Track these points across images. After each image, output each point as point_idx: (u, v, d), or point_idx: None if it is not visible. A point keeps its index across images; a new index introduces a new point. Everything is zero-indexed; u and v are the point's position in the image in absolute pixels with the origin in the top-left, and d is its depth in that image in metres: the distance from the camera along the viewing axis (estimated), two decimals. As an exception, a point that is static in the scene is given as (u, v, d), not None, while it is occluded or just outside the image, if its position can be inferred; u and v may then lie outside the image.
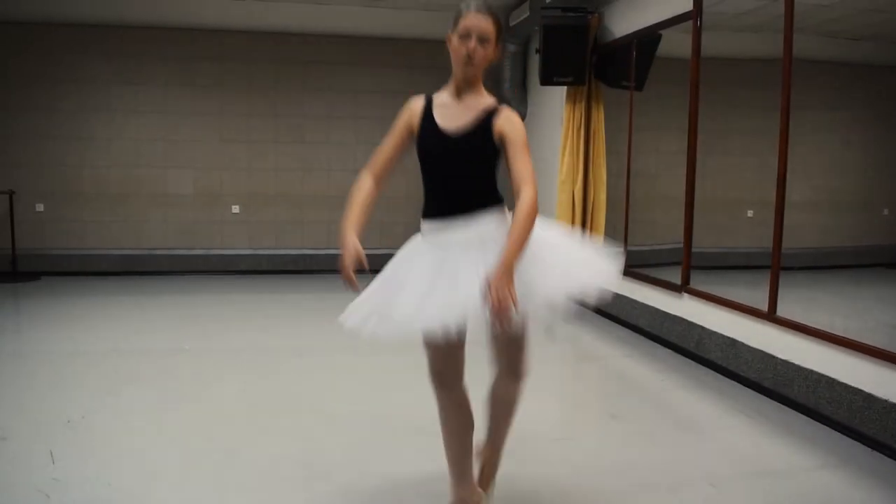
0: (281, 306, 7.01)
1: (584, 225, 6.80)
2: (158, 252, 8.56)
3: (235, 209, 8.71)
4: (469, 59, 2.36)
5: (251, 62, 8.54)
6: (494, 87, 8.75)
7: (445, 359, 2.47)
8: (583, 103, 6.78)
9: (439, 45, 8.75)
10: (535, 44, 7.23)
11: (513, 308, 2.06)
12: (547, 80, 6.70)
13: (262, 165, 8.69)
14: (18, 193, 8.08)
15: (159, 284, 7.94)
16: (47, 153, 8.30)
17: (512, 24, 7.98)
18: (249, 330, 5.91)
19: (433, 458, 2.86)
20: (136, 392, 4.23)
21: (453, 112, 2.44)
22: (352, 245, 2.40)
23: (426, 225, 2.51)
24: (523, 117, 8.79)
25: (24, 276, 8.04)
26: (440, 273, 2.32)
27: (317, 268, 8.74)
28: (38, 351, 5.13)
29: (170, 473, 3.12)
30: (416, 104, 2.54)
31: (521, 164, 2.30)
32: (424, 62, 8.83)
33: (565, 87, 6.90)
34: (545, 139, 7.99)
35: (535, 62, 7.64)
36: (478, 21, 2.35)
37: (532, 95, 8.51)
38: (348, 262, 2.37)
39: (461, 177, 2.44)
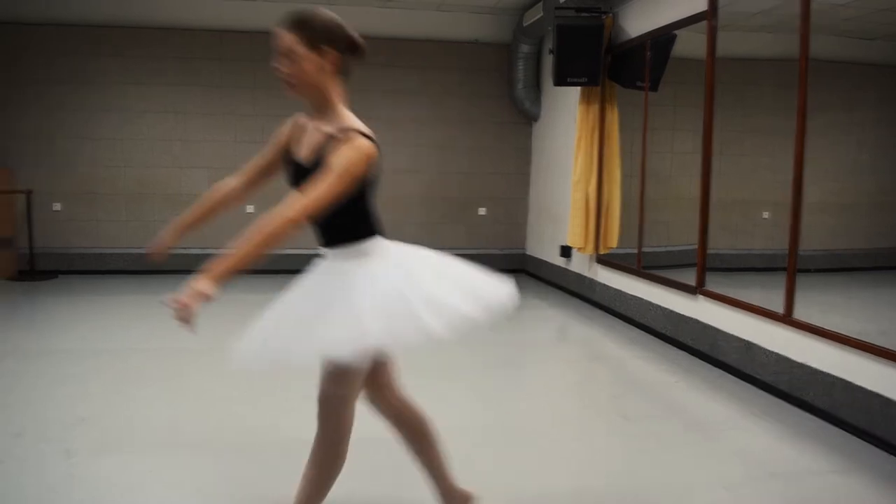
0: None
1: (597, 225, 6.78)
2: (172, 251, 8.58)
3: (249, 209, 8.74)
4: (281, 78, 2.15)
5: (265, 62, 8.53)
6: (508, 87, 8.76)
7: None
8: (597, 104, 6.77)
9: (453, 46, 8.81)
10: (549, 44, 7.22)
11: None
12: (561, 81, 6.69)
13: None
14: (36, 193, 8.15)
15: (173, 283, 7.95)
16: (64, 153, 8.36)
17: (525, 24, 7.98)
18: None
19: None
20: (149, 390, 4.26)
21: (306, 137, 2.26)
22: (161, 237, 2.47)
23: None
24: (536, 118, 8.79)
25: (42, 274, 8.11)
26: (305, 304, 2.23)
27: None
28: (54, 349, 5.17)
29: (183, 472, 3.14)
30: (288, 124, 2.39)
31: (314, 185, 2.03)
32: (438, 62, 8.87)
33: (579, 88, 6.88)
34: (559, 140, 7.99)
35: (548, 63, 7.64)
36: (278, 36, 2.13)
37: (545, 96, 8.51)
38: (152, 245, 2.39)
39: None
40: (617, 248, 6.68)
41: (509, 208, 9.20)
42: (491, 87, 8.94)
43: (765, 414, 4.05)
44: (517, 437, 3.66)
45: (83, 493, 2.89)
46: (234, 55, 8.50)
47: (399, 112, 8.82)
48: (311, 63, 2.11)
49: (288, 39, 2.10)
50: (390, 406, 2.50)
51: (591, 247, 6.88)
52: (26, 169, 8.25)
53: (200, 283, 1.96)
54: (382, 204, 8.82)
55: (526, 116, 8.91)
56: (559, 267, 7.91)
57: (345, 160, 2.05)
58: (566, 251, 7.54)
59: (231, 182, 2.48)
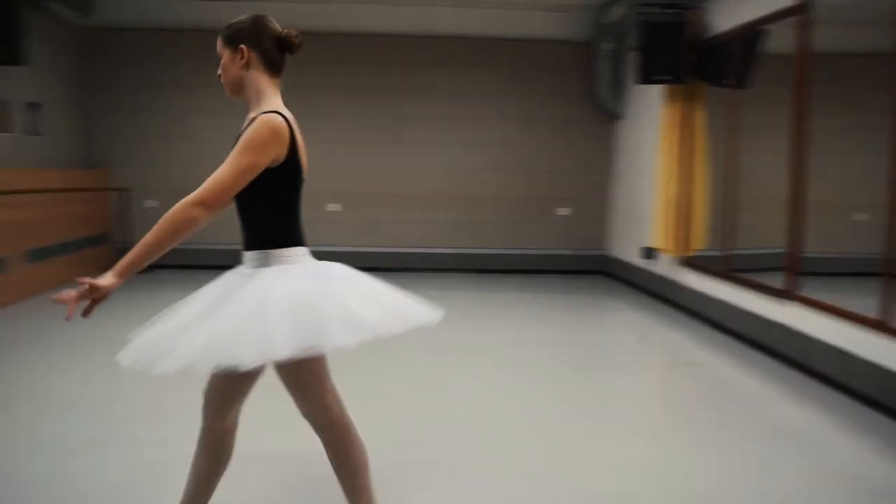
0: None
1: (682, 227, 6.64)
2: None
3: (333, 207, 8.93)
4: (221, 81, 2.30)
5: (350, 64, 8.73)
6: (589, 86, 8.66)
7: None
8: (682, 102, 6.62)
9: (532, 44, 8.75)
10: (632, 42, 7.11)
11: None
12: (644, 79, 6.58)
13: (359, 165, 8.87)
14: (133, 191, 8.54)
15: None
16: (158, 153, 8.74)
17: (607, 21, 7.87)
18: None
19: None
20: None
21: (240, 134, 2.22)
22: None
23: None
24: (618, 117, 8.66)
25: (137, 269, 8.49)
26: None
27: (410, 266, 8.85)
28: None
29: (258, 479, 3.24)
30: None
31: (220, 167, 2.09)
32: (523, 62, 8.85)
33: (664, 86, 6.75)
34: (642, 139, 7.85)
35: (631, 60, 7.51)
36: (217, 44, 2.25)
37: (628, 95, 8.37)
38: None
39: (237, 207, 2.27)
40: (702, 249, 6.53)
41: (590, 208, 9.10)
42: (572, 85, 8.86)
43: (862, 427, 3.88)
44: (595, 443, 3.61)
45: (178, 477, 3.02)
46: (320, 58, 8.68)
47: (485, 111, 8.85)
48: (230, 61, 2.25)
49: (218, 44, 2.26)
50: (222, 427, 2.31)
51: (675, 248, 6.74)
52: (123, 168, 8.66)
53: (104, 277, 2.00)
54: (463, 203, 8.88)
55: (608, 115, 8.79)
56: (642, 269, 7.78)
57: (248, 134, 2.10)
58: (649, 253, 7.41)
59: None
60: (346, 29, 8.54)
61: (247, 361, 1.93)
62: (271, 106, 2.22)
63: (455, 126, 8.87)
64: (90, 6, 7.77)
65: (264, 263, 2.20)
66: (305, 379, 2.17)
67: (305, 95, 8.73)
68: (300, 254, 2.25)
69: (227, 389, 2.23)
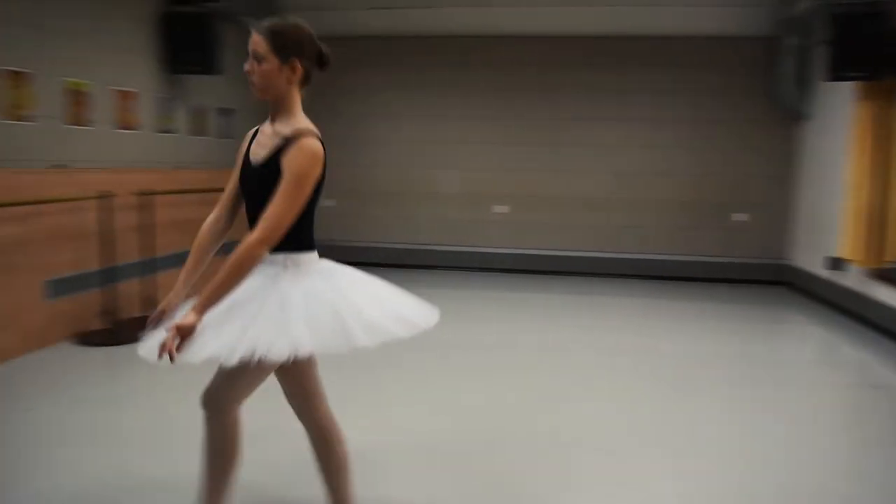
0: (536, 305, 7.11)
1: (876, 236, 6.09)
2: (427, 247, 9.11)
3: (500, 209, 9.00)
4: (250, 79, 2.23)
5: (517, 66, 8.76)
6: (769, 84, 8.15)
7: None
8: (876, 100, 6.07)
9: (713, 42, 8.32)
10: (821, 36, 6.61)
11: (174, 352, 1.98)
12: (834, 76, 6.11)
13: (526, 167, 8.88)
14: (311, 190, 9.06)
15: (425, 278, 8.45)
16: (339, 155, 9.14)
17: (790, 15, 7.37)
18: (501, 325, 6.08)
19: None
20: (392, 377, 4.53)
21: (263, 140, 2.28)
22: (163, 303, 2.32)
23: None
24: (803, 117, 8.09)
25: (313, 264, 8.99)
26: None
27: (576, 269, 8.74)
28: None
29: (427, 475, 3.30)
30: (249, 134, 2.42)
31: (272, 202, 2.11)
32: (696, 60, 8.49)
33: (855, 83, 6.23)
34: (831, 141, 7.28)
35: (819, 56, 6.98)
36: (252, 40, 2.20)
37: (814, 93, 7.79)
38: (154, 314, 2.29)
39: (259, 207, 2.19)
40: (897, 261, 5.95)
41: (770, 215, 8.55)
42: (750, 84, 8.36)
43: None
44: (771, 467, 3.39)
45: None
46: (489, 61, 8.80)
47: (657, 112, 8.58)
48: (277, 70, 2.21)
49: (261, 46, 2.19)
50: (236, 418, 2.35)
51: (866, 259, 6.19)
52: (304, 169, 9.20)
53: (185, 317, 2.05)
54: (630, 207, 8.62)
55: (791, 115, 8.22)
56: (827, 280, 7.21)
57: (297, 167, 2.13)
58: (836, 263, 6.85)
59: (212, 217, 2.44)
60: (512, 31, 8.56)
61: (276, 354, 2.02)
62: (302, 121, 2.27)
63: (624, 127, 8.66)
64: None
65: (285, 266, 2.26)
66: (307, 384, 2.38)
67: (473, 97, 8.90)
68: (315, 258, 2.36)
69: (248, 382, 2.26)
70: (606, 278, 8.52)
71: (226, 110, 8.12)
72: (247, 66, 2.24)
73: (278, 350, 2.02)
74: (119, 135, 6.17)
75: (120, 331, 5.27)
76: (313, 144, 2.19)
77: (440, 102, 8.96)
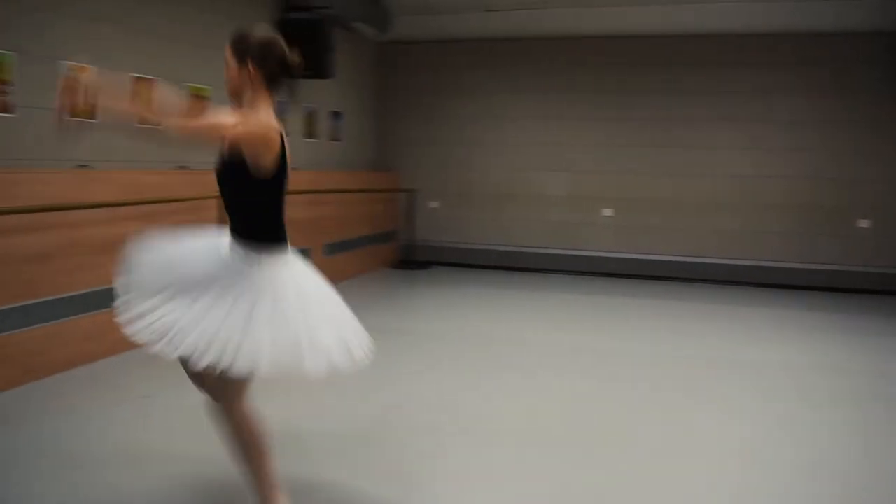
0: (643, 311, 6.91)
1: None
2: (532, 250, 9.04)
3: (607, 212, 8.83)
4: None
5: (626, 66, 8.56)
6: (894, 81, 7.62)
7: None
8: None
9: (839, 38, 7.84)
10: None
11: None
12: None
13: (635, 169, 8.66)
14: (418, 192, 9.17)
15: (530, 281, 8.38)
16: (442, 156, 9.28)
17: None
18: (607, 331, 5.95)
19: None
20: (510, 381, 4.50)
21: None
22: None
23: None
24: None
25: (418, 264, 9.10)
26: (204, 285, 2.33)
27: (683, 275, 8.46)
28: (425, 330, 5.76)
29: (535, 465, 3.26)
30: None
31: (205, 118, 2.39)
32: (820, 57, 8.06)
33: None
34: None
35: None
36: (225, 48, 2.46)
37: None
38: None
39: (224, 197, 2.46)
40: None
41: (897, 220, 7.99)
42: (871, 82, 7.83)
43: None
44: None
45: (444, 469, 3.16)
46: (596, 62, 8.65)
47: (772, 113, 8.19)
48: (237, 73, 2.45)
49: (226, 52, 2.47)
50: (246, 411, 2.48)
51: None
52: (410, 170, 9.34)
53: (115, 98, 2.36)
54: (743, 211, 8.19)
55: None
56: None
57: (247, 126, 2.33)
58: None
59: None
60: (622, 31, 8.38)
61: (236, 369, 2.21)
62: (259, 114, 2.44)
63: (738, 128, 8.29)
64: (389, 24, 8.47)
65: (259, 262, 2.40)
66: (232, 382, 2.36)
67: (581, 99, 8.77)
68: (286, 251, 2.53)
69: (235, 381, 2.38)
70: (717, 286, 8.20)
71: (336, 113, 8.33)
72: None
73: (238, 367, 2.20)
74: (236, 137, 6.43)
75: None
76: (264, 121, 2.39)
77: (547, 104, 8.87)
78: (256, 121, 2.37)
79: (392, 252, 9.32)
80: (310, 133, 7.76)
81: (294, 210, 7.15)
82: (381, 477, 3.05)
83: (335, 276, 7.71)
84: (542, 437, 3.57)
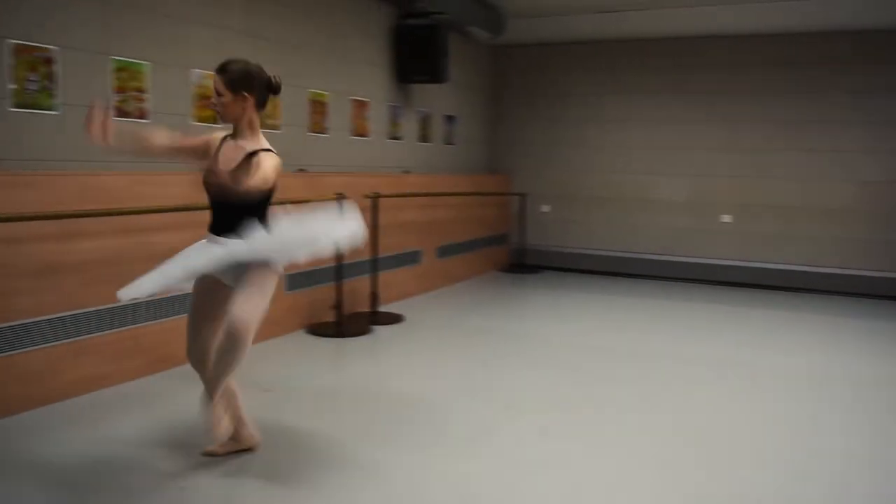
0: (763, 322, 6.61)
1: None
2: (645, 256, 8.83)
3: (725, 218, 8.50)
4: (215, 109, 2.91)
5: (741, 67, 8.22)
6: None
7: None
8: None
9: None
10: None
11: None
12: None
13: (755, 174, 8.31)
14: (529, 195, 9.15)
15: (643, 288, 8.18)
16: (553, 160, 9.22)
17: None
18: (722, 342, 5.73)
19: None
20: (624, 390, 4.42)
21: (229, 153, 2.89)
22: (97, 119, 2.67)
23: (208, 235, 2.94)
24: None
25: (529, 268, 9.07)
26: (201, 249, 2.87)
27: (807, 286, 8.03)
28: (537, 335, 5.73)
29: (645, 475, 3.19)
30: (218, 135, 2.98)
31: (255, 169, 2.74)
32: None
33: None
34: None
35: None
36: (214, 79, 2.85)
37: None
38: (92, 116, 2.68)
39: (222, 205, 2.86)
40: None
41: None
42: None
43: None
44: None
45: (553, 470, 3.13)
46: (708, 62, 8.36)
47: (864, 116, 7.67)
48: (233, 103, 2.85)
49: (217, 82, 2.84)
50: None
51: None
52: (522, 174, 9.33)
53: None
54: (881, 218, 7.66)
55: None
56: None
57: (265, 164, 2.76)
58: None
59: (163, 136, 2.93)
60: (734, 30, 8.04)
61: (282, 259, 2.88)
62: (262, 140, 2.92)
63: (867, 131, 7.77)
64: (502, 27, 8.50)
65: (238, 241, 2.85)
66: (264, 294, 2.86)
67: (695, 100, 8.50)
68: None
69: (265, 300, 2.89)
70: (848, 298, 7.74)
71: (449, 117, 8.43)
72: (212, 100, 2.89)
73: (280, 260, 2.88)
74: (352, 141, 6.64)
75: (346, 324, 5.65)
76: (277, 159, 2.86)
77: (662, 106, 8.65)
78: (275, 157, 2.86)
79: (503, 255, 9.33)
80: (424, 137, 7.89)
81: (407, 213, 7.36)
82: (490, 479, 3.07)
83: (447, 279, 7.90)
84: (655, 451, 3.48)
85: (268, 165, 2.77)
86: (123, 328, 4.20)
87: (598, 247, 9.08)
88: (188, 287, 3.03)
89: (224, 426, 2.92)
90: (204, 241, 2.94)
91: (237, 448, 3.16)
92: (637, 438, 3.60)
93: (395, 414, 3.84)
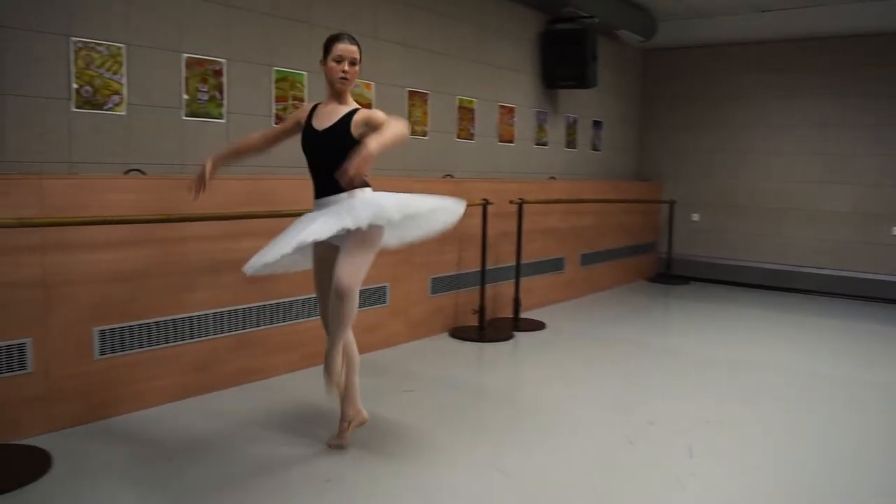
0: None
1: None
2: (802, 269, 8.30)
3: (896, 231, 7.86)
4: (344, 76, 3.11)
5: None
6: None
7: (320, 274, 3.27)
8: None
9: None
10: None
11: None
12: None
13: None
14: (679, 203, 8.84)
15: (802, 303, 7.70)
16: (706, 166, 8.86)
17: None
18: (890, 366, 5.29)
19: None
20: (769, 407, 4.19)
21: (326, 115, 3.14)
22: (202, 167, 3.19)
23: (314, 202, 3.18)
24: None
25: (675, 278, 8.76)
26: (309, 221, 3.06)
27: None
28: (684, 350, 5.52)
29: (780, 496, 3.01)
30: (305, 110, 3.26)
31: (387, 125, 2.96)
32: None
33: None
34: None
35: None
36: (348, 49, 3.11)
37: None
38: (195, 177, 3.23)
39: (326, 162, 3.06)
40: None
41: None
42: None
43: None
44: None
45: (702, 491, 3.01)
46: (883, 61, 7.72)
47: None
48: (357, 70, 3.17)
49: (354, 52, 3.12)
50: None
51: None
52: (671, 181, 9.03)
53: (366, 148, 2.77)
54: None
55: None
56: None
57: (381, 114, 3.07)
58: None
59: (255, 136, 3.35)
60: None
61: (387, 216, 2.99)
62: (354, 104, 3.18)
63: None
64: (653, 29, 8.27)
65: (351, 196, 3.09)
66: (365, 256, 3.04)
67: (865, 105, 7.88)
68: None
69: (367, 262, 3.08)
70: None
71: (597, 122, 8.31)
72: (345, 67, 3.10)
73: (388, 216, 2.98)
74: (498, 147, 6.68)
75: (488, 329, 5.69)
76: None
77: (824, 110, 8.10)
78: (377, 111, 3.14)
79: (649, 265, 9.07)
80: (570, 143, 7.82)
81: (552, 219, 7.32)
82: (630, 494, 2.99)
83: (590, 287, 7.80)
84: (803, 479, 3.27)
85: (386, 118, 3.04)
86: (282, 324, 4.44)
87: (751, 258, 8.63)
88: (306, 264, 3.33)
89: (340, 380, 3.15)
90: (311, 213, 3.17)
91: (351, 426, 3.35)
92: (784, 462, 3.40)
93: (534, 422, 3.82)
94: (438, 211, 3.27)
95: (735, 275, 8.69)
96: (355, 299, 3.01)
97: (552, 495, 2.94)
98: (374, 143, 2.78)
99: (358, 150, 2.79)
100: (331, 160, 2.99)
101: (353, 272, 2.98)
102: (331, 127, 3.09)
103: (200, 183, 3.21)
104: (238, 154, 3.38)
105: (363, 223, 2.90)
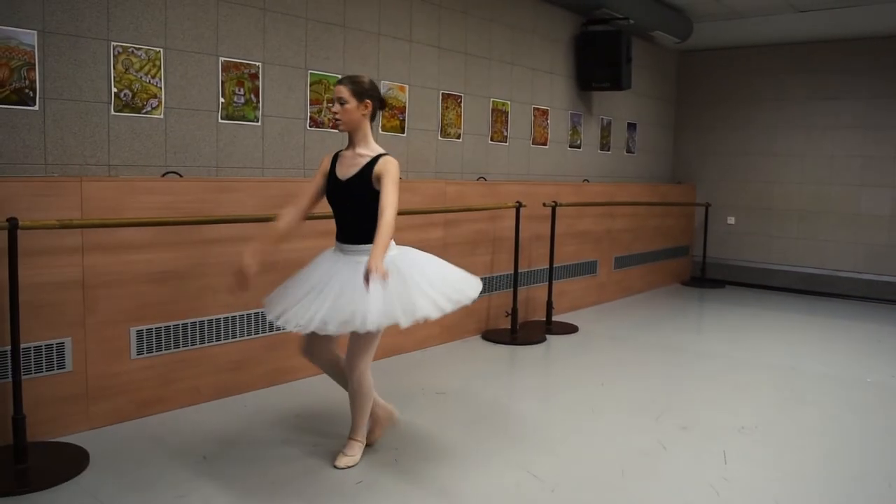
0: None
1: None
2: (839, 274, 8.14)
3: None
4: (335, 118, 3.06)
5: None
6: None
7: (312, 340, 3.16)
8: None
9: None
10: None
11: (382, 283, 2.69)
12: None
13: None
14: (714, 206, 8.73)
15: (839, 308, 7.56)
16: (741, 169, 8.73)
17: None
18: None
19: None
20: (811, 413, 4.12)
21: (346, 162, 3.11)
22: (240, 265, 3.03)
23: (336, 244, 3.15)
24: None
25: (710, 282, 8.65)
26: (328, 282, 2.96)
27: None
28: (719, 355, 5.44)
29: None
30: (328, 158, 3.20)
31: (385, 195, 2.91)
32: None
33: None
34: None
35: None
36: (336, 89, 3.07)
37: None
38: (234, 273, 3.10)
39: (348, 212, 3.08)
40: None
41: None
42: None
43: None
44: None
45: (736, 497, 2.97)
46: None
47: None
48: (356, 109, 3.05)
49: (344, 90, 3.03)
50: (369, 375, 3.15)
51: None
52: (707, 183, 8.92)
53: (375, 261, 2.69)
54: None
55: None
56: None
57: (393, 172, 2.97)
58: None
59: (290, 212, 3.16)
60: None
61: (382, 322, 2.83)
62: (376, 146, 3.11)
63: None
64: (689, 31, 8.18)
65: (363, 253, 2.97)
66: (369, 344, 3.06)
67: (915, 105, 7.71)
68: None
69: (371, 346, 3.09)
70: None
71: (631, 125, 8.24)
72: (333, 108, 3.05)
73: (384, 320, 2.82)
74: (532, 149, 6.66)
75: (521, 332, 5.68)
76: (396, 162, 3.03)
77: (865, 112, 7.93)
78: (394, 161, 3.03)
79: (684, 268, 8.97)
80: (604, 145, 7.77)
81: (585, 222, 7.27)
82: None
83: (623, 290, 7.74)
84: (840, 485, 3.21)
85: (391, 176, 2.96)
86: (312, 325, 4.47)
87: (788, 262, 8.49)
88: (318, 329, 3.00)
89: (389, 413, 3.37)
90: (331, 249, 3.16)
91: (382, 428, 3.40)
92: (819, 470, 3.33)
93: (566, 426, 3.80)
94: (450, 301, 3.01)
95: (771, 278, 8.56)
96: (370, 385, 3.14)
97: (584, 499, 2.92)
98: (374, 263, 2.67)
99: (367, 273, 2.67)
100: (353, 210, 3.04)
101: (362, 361, 3.08)
102: (352, 178, 3.04)
103: (241, 279, 3.04)
104: (277, 240, 3.26)
105: (372, 328, 2.79)
